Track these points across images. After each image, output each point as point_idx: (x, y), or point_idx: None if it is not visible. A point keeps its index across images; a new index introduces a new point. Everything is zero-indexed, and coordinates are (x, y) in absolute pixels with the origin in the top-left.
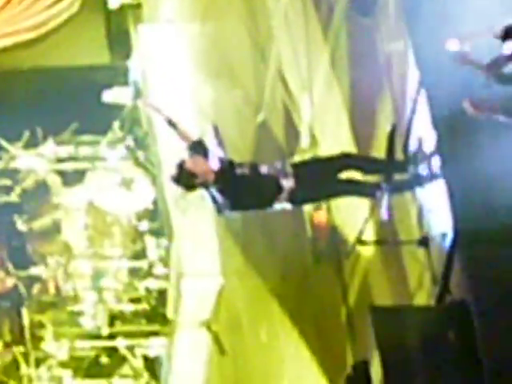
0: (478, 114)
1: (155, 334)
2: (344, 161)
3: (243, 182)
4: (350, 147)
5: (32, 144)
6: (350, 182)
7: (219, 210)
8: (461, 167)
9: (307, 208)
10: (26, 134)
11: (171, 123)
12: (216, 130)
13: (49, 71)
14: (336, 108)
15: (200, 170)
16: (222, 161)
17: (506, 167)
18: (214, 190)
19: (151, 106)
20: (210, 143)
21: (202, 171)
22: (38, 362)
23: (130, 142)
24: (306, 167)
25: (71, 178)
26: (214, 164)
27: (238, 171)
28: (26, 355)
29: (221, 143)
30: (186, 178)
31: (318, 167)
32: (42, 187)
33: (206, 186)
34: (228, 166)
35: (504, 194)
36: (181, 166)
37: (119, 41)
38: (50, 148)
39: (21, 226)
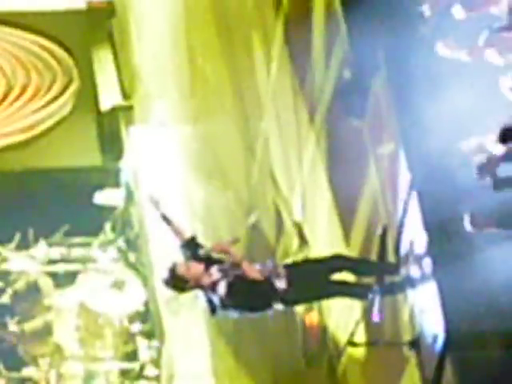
0: (476, 231)
1: None
2: (336, 262)
3: (238, 285)
4: (341, 248)
5: (23, 246)
6: (341, 283)
7: (213, 310)
8: (452, 269)
9: (299, 309)
10: (18, 236)
11: (166, 219)
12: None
13: (40, 173)
14: (326, 209)
15: (192, 275)
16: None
17: (497, 270)
18: (208, 292)
19: (149, 200)
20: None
21: (195, 276)
22: None
23: (121, 243)
24: (297, 268)
25: (63, 280)
26: (213, 272)
27: (232, 273)
28: None
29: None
30: (177, 282)
31: (310, 268)
32: (34, 289)
33: (200, 287)
34: (223, 271)
35: (495, 296)
36: (172, 270)
37: (111, 142)
38: (41, 250)
39: (12, 327)
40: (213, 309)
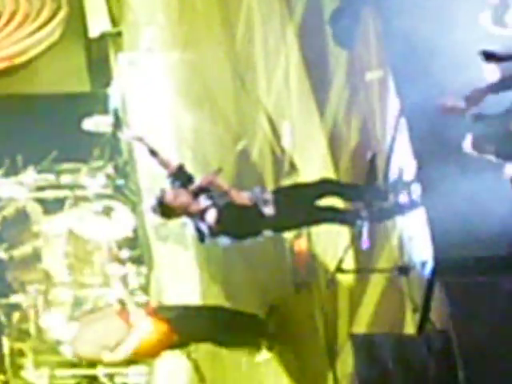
0: (475, 154)
1: (135, 362)
2: (324, 186)
3: (226, 212)
4: (329, 175)
5: (12, 172)
6: (330, 209)
7: (202, 238)
8: (440, 196)
9: (288, 235)
10: (7, 162)
11: (152, 152)
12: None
13: (29, 99)
14: (316, 136)
15: (180, 204)
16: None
17: (485, 196)
18: (197, 219)
19: (132, 137)
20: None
21: (183, 205)
22: None
23: (110, 170)
24: (285, 194)
25: (51, 206)
26: (201, 200)
27: (220, 201)
28: (6, 383)
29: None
30: (165, 210)
31: (297, 193)
32: (22, 215)
33: (188, 215)
34: (211, 198)
35: (483, 222)
36: (160, 199)
37: (99, 69)
38: (30, 176)
39: (1, 254)
40: (201, 237)
